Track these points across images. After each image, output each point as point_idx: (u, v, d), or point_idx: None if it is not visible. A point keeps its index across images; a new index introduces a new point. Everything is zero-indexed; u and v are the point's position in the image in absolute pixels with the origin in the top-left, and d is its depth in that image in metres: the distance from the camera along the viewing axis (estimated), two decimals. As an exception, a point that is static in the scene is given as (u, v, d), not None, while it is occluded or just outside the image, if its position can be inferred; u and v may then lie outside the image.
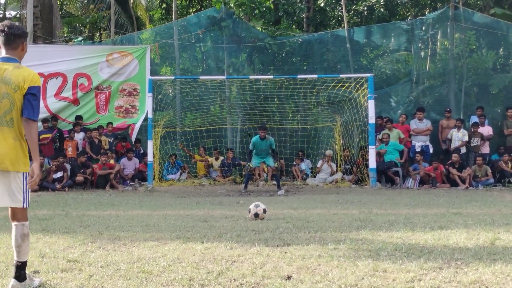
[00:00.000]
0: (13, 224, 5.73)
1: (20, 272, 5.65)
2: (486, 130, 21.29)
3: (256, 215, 10.53)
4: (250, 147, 19.14)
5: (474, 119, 21.59)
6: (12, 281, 5.64)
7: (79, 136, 21.57)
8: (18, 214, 5.74)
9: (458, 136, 20.72)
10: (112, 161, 20.77)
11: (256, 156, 19.08)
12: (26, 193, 5.73)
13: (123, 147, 22.26)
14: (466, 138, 20.68)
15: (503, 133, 21.47)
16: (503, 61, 23.85)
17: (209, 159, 23.17)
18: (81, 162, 20.06)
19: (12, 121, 5.68)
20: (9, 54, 5.84)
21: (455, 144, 20.71)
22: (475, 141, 20.85)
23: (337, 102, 22.72)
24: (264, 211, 10.63)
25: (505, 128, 21.41)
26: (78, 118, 22.15)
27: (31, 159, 5.76)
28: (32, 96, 5.67)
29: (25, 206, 5.73)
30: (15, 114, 5.68)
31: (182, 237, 8.45)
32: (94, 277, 5.99)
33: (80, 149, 21.28)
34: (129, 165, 21.54)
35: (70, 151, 20.96)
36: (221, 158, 23.03)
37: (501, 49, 24.02)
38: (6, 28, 5.79)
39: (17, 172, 5.69)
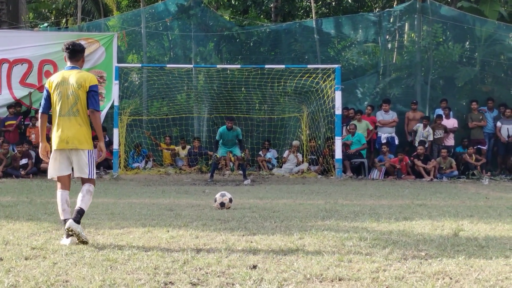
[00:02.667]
0: (85, 184, 7.61)
1: (78, 216, 7.24)
2: (451, 122, 21.47)
3: (222, 205, 10.53)
4: (217, 137, 19.09)
5: (439, 111, 21.75)
6: (70, 221, 7.11)
7: (40, 123, 21.31)
8: (86, 182, 7.65)
9: (423, 134, 20.86)
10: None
11: (223, 146, 19.05)
12: (91, 166, 7.69)
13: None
14: (431, 138, 20.83)
15: (468, 126, 21.67)
16: (469, 55, 24.08)
17: (176, 148, 23.07)
18: (45, 149, 19.86)
19: (78, 111, 7.57)
20: (72, 64, 7.81)
21: (420, 138, 20.82)
22: (438, 133, 21.01)
23: (304, 92, 22.75)
24: (230, 200, 10.64)
25: (470, 121, 21.61)
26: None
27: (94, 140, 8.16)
28: (93, 92, 7.60)
29: (90, 177, 7.65)
30: (79, 106, 7.56)
31: (147, 225, 8.42)
32: (58, 264, 5.94)
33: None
34: (94, 152, 21.35)
35: (33, 138, 20.74)
36: (188, 147, 22.94)
37: (467, 43, 24.24)
38: (70, 46, 7.84)
39: (83, 150, 7.65)
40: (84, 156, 7.67)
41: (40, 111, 7.79)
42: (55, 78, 7.65)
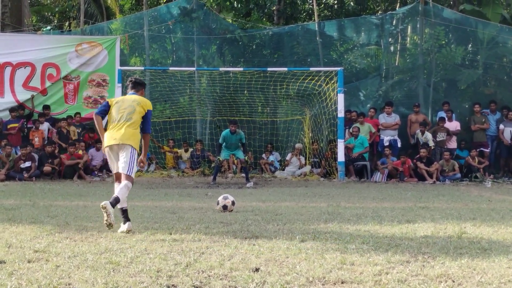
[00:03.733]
0: (123, 180, 8.62)
1: (113, 201, 8.29)
2: (454, 125, 21.46)
3: (225, 207, 10.53)
4: (220, 140, 19.13)
5: (442, 114, 21.74)
6: (106, 201, 8.24)
7: (44, 126, 21.33)
8: (125, 177, 8.64)
9: (422, 140, 20.86)
10: (80, 152, 20.61)
11: (226, 149, 19.06)
12: (131, 165, 8.68)
13: (91, 137, 22.09)
14: (431, 144, 20.79)
15: (470, 128, 21.66)
16: (471, 57, 24.07)
17: (178, 151, 23.07)
18: (48, 152, 19.87)
19: (131, 119, 8.78)
20: (134, 92, 9.21)
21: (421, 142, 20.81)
22: (441, 136, 21.00)
23: (307, 95, 22.75)
24: (233, 203, 10.63)
25: (472, 124, 21.60)
26: (45, 108, 21.95)
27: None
28: (148, 116, 8.98)
29: (128, 174, 8.65)
30: (134, 116, 8.81)
31: (150, 228, 8.43)
32: (61, 267, 5.94)
33: (47, 139, 21.06)
34: (97, 156, 21.37)
35: (36, 141, 20.76)
36: (190, 150, 22.93)
37: (470, 45, 24.22)
38: (133, 79, 9.44)
39: (128, 145, 8.68)
40: (128, 152, 8.74)
41: (95, 112, 9.30)
42: (118, 98, 9.43)
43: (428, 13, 23.20)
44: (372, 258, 6.42)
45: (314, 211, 10.73)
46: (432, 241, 7.49)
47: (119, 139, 8.67)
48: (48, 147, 19.95)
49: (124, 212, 8.53)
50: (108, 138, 8.83)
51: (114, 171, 9.04)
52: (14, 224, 8.74)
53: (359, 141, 20.80)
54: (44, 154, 19.86)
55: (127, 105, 8.87)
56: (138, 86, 9.35)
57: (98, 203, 11.83)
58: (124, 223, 8.39)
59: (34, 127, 21.08)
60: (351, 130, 21.14)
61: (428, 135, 20.86)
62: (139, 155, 9.04)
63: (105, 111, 9.06)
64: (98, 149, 21.38)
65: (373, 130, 21.32)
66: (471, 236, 7.97)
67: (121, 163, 8.71)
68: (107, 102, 9.13)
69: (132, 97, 9.08)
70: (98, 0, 32.71)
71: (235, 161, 21.70)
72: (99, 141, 21.70)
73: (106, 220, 8.13)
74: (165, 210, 10.84)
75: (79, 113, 22.27)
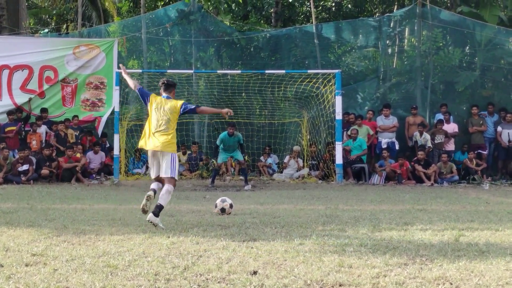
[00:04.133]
0: (165, 184, 9.50)
1: (157, 211, 9.03)
2: (451, 127, 21.47)
3: (223, 210, 10.54)
4: (217, 142, 19.12)
5: (440, 116, 21.75)
6: (151, 214, 8.98)
7: (41, 129, 21.31)
8: (167, 181, 9.51)
9: (421, 141, 20.87)
10: (78, 155, 20.60)
11: (224, 151, 19.04)
12: (173, 168, 9.59)
13: (89, 140, 22.10)
14: (430, 144, 20.80)
15: (468, 130, 21.68)
16: (469, 59, 24.08)
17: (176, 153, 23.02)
18: (46, 155, 19.85)
19: (168, 128, 9.80)
20: (166, 93, 10.20)
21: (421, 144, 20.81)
22: (439, 138, 21.01)
23: (305, 97, 22.74)
24: (231, 206, 10.64)
25: (470, 126, 21.62)
26: (43, 111, 21.93)
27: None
28: (186, 109, 9.97)
29: (172, 176, 9.54)
30: (169, 125, 9.82)
31: (148, 231, 8.43)
32: (58, 271, 5.94)
33: (44, 142, 21.03)
34: (95, 158, 21.39)
35: (34, 144, 20.74)
36: (188, 152, 22.93)
37: (467, 47, 24.24)
38: (165, 81, 10.47)
39: (168, 153, 9.63)
40: (168, 158, 9.66)
41: (138, 87, 10.72)
42: (158, 99, 10.15)
43: (426, 15, 23.21)
44: (370, 260, 6.43)
45: (312, 213, 10.74)
46: (429, 244, 7.50)
47: (161, 147, 9.65)
48: (46, 150, 19.93)
49: (159, 207, 9.13)
50: (150, 143, 9.83)
51: (153, 176, 9.92)
52: (11, 228, 8.74)
53: (358, 143, 20.80)
54: (42, 157, 19.84)
55: (163, 114, 9.89)
56: (170, 87, 10.35)
57: (97, 206, 11.92)
58: (155, 215, 9.00)
59: (31, 130, 21.05)
60: (349, 132, 21.15)
61: (427, 136, 20.87)
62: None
63: (144, 95, 10.43)
64: (96, 152, 21.42)
65: (371, 132, 21.33)
66: (468, 238, 7.98)
67: (164, 168, 9.61)
68: (149, 96, 10.28)
69: (167, 104, 9.96)
70: (96, 2, 32.69)
71: (233, 164, 21.72)
72: (97, 144, 21.81)
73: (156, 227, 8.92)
74: (163, 213, 10.80)
75: (76, 116, 22.24)
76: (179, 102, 10.04)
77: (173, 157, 9.67)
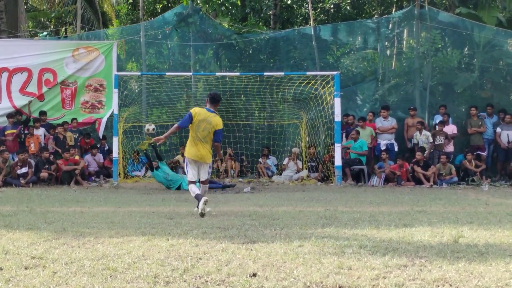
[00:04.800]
0: (203, 185, 11.83)
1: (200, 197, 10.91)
2: (450, 128, 21.48)
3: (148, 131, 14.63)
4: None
5: (439, 118, 21.75)
6: (201, 202, 10.71)
7: (39, 132, 21.30)
8: (205, 182, 11.87)
9: (422, 139, 20.86)
10: (77, 157, 20.60)
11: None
12: (209, 172, 11.88)
13: (87, 143, 22.11)
14: (431, 139, 20.81)
15: (467, 132, 21.69)
16: (467, 60, 24.08)
17: (176, 158, 23.07)
18: (45, 158, 19.85)
19: (208, 142, 11.59)
20: (211, 108, 11.62)
21: (420, 145, 20.76)
22: (439, 140, 21.00)
23: (303, 99, 22.76)
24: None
25: (469, 127, 21.63)
26: (42, 114, 21.92)
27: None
28: (219, 132, 11.58)
29: (208, 178, 11.87)
30: (208, 138, 11.56)
31: (147, 234, 8.42)
32: (58, 274, 5.94)
33: (43, 144, 21.01)
34: (93, 161, 21.40)
35: (32, 147, 20.71)
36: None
37: (466, 49, 24.24)
38: (214, 96, 11.74)
39: (208, 163, 11.69)
40: (207, 167, 11.71)
41: (177, 124, 11.83)
42: (200, 112, 11.56)
43: (424, 17, 23.22)
44: (369, 262, 6.42)
45: (312, 215, 10.73)
46: (429, 245, 7.49)
47: (203, 158, 11.56)
48: (45, 153, 19.92)
49: (199, 197, 10.95)
50: (194, 153, 11.56)
51: (194, 178, 11.65)
52: (11, 231, 8.73)
53: (359, 144, 20.80)
54: (40, 160, 19.83)
55: (205, 128, 11.48)
56: (215, 102, 11.74)
57: (96, 209, 11.93)
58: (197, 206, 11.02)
59: (29, 133, 21.00)
60: (351, 134, 21.12)
61: (427, 133, 20.86)
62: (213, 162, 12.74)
63: (187, 123, 11.58)
64: (94, 155, 21.40)
65: (374, 134, 21.33)
66: (468, 240, 7.97)
67: (203, 174, 11.71)
68: (191, 114, 11.54)
69: (211, 119, 11.48)
70: (95, 5, 32.73)
71: (233, 165, 21.75)
72: (95, 146, 21.78)
73: (201, 211, 10.70)
74: (162, 215, 10.84)
75: (75, 119, 22.25)
76: (219, 125, 11.58)
77: (210, 166, 11.84)
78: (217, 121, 11.52)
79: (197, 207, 10.91)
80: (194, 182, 11.58)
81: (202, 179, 11.76)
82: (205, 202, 10.67)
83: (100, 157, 21.72)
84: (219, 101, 11.85)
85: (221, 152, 12.60)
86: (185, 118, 11.61)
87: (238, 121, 23.24)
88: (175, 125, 11.80)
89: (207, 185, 11.99)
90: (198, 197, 10.96)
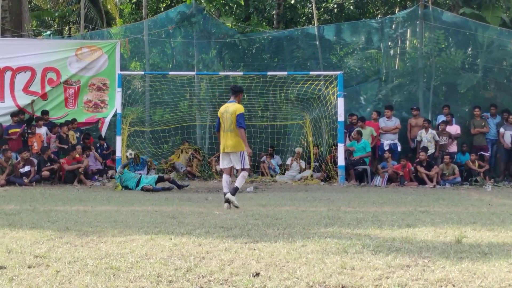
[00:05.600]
0: (241, 172, 12.50)
1: (233, 191, 12.09)
2: (454, 129, 21.46)
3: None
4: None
5: (442, 118, 21.73)
6: (228, 194, 12.02)
7: (42, 131, 21.29)
8: (241, 170, 12.46)
9: (427, 138, 20.82)
10: (78, 155, 20.55)
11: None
12: (242, 161, 12.40)
13: (85, 142, 22.09)
14: (437, 138, 20.80)
15: (470, 132, 21.67)
16: (471, 61, 24.06)
17: (175, 154, 23.15)
18: (47, 156, 19.85)
19: (232, 129, 12.28)
20: (232, 99, 12.64)
21: (424, 145, 20.75)
22: (443, 140, 20.98)
23: (307, 99, 22.75)
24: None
25: (472, 127, 21.61)
26: (44, 113, 21.88)
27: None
28: (239, 116, 12.22)
29: (243, 167, 12.44)
30: (232, 126, 12.26)
31: (150, 233, 8.41)
32: (61, 273, 5.94)
33: (45, 143, 20.98)
34: (90, 161, 21.33)
35: (35, 146, 20.70)
36: (190, 151, 22.93)
37: (470, 49, 24.23)
38: (233, 87, 12.93)
39: (236, 152, 12.37)
40: (237, 156, 12.40)
41: (216, 130, 12.97)
42: (222, 108, 12.66)
43: (428, 17, 23.21)
44: (372, 262, 6.41)
45: (314, 215, 10.72)
46: (432, 245, 7.48)
47: (230, 148, 12.37)
48: (46, 152, 19.90)
49: (235, 189, 12.15)
50: (221, 146, 12.61)
51: (223, 167, 12.81)
52: (14, 229, 8.74)
53: (362, 145, 20.78)
54: (42, 159, 19.83)
55: (227, 118, 12.35)
56: (237, 92, 12.71)
57: (99, 208, 11.94)
58: (225, 202, 12.09)
59: (31, 132, 20.97)
60: (352, 134, 21.11)
61: (433, 131, 20.84)
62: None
63: (219, 124, 12.63)
64: (88, 155, 21.36)
65: (375, 134, 21.30)
66: (471, 240, 7.96)
67: (235, 163, 12.51)
68: (218, 118, 12.70)
69: (229, 108, 12.40)
70: (98, 4, 32.77)
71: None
72: (87, 148, 21.71)
73: (233, 205, 11.94)
74: (165, 215, 10.83)
75: (75, 119, 22.10)
76: (238, 110, 12.31)
77: (242, 153, 12.37)
78: (235, 108, 12.32)
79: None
80: (226, 173, 12.63)
81: (236, 168, 12.68)
82: (227, 201, 11.99)
83: (96, 154, 21.67)
84: (237, 91, 12.70)
85: (246, 141, 12.62)
86: (216, 122, 12.84)
87: (241, 121, 23.25)
88: (217, 134, 12.99)
89: (246, 172, 12.56)
90: (224, 193, 12.31)
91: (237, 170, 21.27)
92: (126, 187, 18.08)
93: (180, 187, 18.11)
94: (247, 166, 12.55)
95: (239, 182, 12.29)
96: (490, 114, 22.01)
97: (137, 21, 25.53)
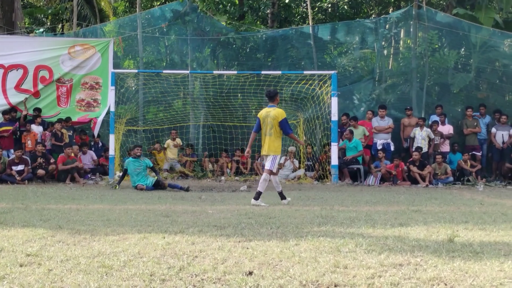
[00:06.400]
0: (264, 173, 12.87)
1: (256, 196, 12.60)
2: (446, 128, 21.52)
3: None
4: (125, 166, 18.51)
5: (435, 118, 21.78)
6: (252, 200, 12.56)
7: (38, 129, 21.27)
8: (265, 171, 12.84)
9: (422, 135, 20.86)
10: (72, 154, 20.53)
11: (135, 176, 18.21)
12: (272, 164, 12.77)
13: (82, 139, 22.06)
14: (432, 136, 20.84)
15: (463, 132, 21.73)
16: (464, 61, 24.13)
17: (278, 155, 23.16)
18: (40, 152, 19.77)
19: (272, 134, 12.73)
20: (271, 103, 13.07)
21: (418, 143, 20.80)
22: (435, 140, 21.03)
23: (301, 99, 22.77)
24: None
25: (465, 127, 21.67)
26: (36, 110, 21.80)
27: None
28: (282, 123, 12.73)
29: (268, 168, 12.77)
30: (273, 130, 12.74)
31: (143, 231, 8.41)
32: (53, 271, 5.93)
33: (41, 141, 20.94)
34: (85, 158, 21.33)
35: (29, 144, 20.68)
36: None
37: (463, 49, 24.29)
38: (267, 93, 13.19)
39: (269, 155, 12.77)
40: (270, 158, 12.82)
41: (253, 130, 13.39)
42: (263, 112, 13.05)
43: (422, 17, 23.25)
44: (365, 261, 6.42)
45: (308, 214, 10.73)
46: (424, 244, 7.49)
47: (266, 151, 12.87)
48: (39, 147, 19.83)
49: (258, 193, 12.62)
50: (262, 148, 13.12)
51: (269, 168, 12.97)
52: (6, 228, 8.71)
53: (353, 144, 20.80)
54: (35, 156, 19.77)
55: (268, 122, 12.80)
56: (273, 97, 13.09)
57: (92, 206, 11.92)
58: (254, 199, 12.60)
59: (26, 130, 20.96)
60: (344, 134, 21.14)
61: (427, 130, 20.88)
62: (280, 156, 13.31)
63: (258, 126, 13.08)
64: (84, 153, 21.33)
65: (367, 133, 21.32)
66: (463, 239, 7.97)
67: (266, 163, 12.90)
68: (258, 119, 13.07)
69: (271, 113, 12.83)
70: (92, 2, 32.71)
71: (229, 165, 21.77)
72: (84, 144, 21.68)
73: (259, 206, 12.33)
74: (158, 213, 10.83)
75: (69, 118, 22.09)
76: (281, 116, 12.78)
77: (274, 157, 12.78)
78: (277, 113, 12.82)
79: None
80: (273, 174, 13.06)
81: (265, 168, 12.99)
82: (254, 198, 12.63)
83: (92, 154, 21.66)
84: (272, 96, 13.07)
85: (298, 138, 14.03)
86: (256, 123, 13.24)
87: (235, 120, 23.24)
88: (252, 133, 13.47)
89: (267, 174, 12.77)
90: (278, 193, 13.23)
91: (229, 168, 21.49)
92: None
93: (183, 189, 17.43)
94: (274, 170, 12.89)
95: (261, 186, 12.69)
96: (480, 114, 22.08)
97: (131, 19, 25.43)
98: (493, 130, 21.45)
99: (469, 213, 11.36)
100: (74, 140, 21.72)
